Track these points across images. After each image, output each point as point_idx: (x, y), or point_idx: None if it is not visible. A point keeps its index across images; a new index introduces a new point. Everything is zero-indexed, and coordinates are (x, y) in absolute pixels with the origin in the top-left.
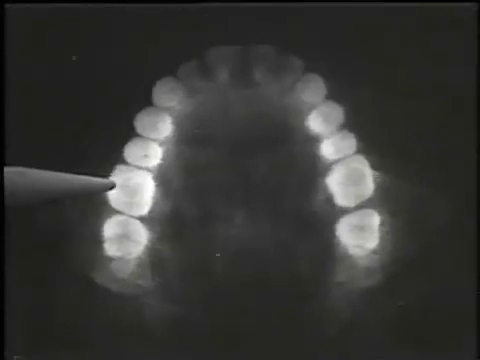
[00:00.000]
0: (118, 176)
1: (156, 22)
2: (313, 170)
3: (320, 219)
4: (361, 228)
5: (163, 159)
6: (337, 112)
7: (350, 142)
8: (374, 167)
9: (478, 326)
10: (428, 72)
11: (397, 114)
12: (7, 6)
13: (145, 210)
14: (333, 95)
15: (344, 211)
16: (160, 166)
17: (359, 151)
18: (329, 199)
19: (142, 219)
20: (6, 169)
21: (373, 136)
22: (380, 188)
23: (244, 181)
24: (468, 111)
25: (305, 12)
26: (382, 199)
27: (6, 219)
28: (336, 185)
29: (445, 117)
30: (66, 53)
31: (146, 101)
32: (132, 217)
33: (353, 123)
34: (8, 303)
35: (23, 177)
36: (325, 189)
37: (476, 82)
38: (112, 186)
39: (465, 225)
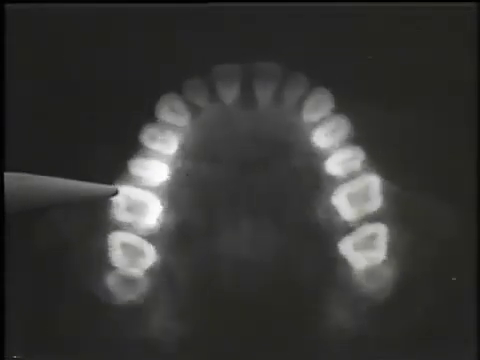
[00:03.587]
0: (121, 193)
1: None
2: (320, 185)
3: (327, 234)
4: (368, 242)
5: (168, 176)
6: (343, 127)
7: (356, 157)
8: (381, 181)
9: (478, 327)
10: (428, 73)
11: (398, 125)
12: (7, 6)
13: (149, 226)
14: (338, 110)
15: (351, 225)
16: (164, 182)
17: (365, 165)
18: (336, 214)
19: (146, 235)
20: (6, 174)
21: (378, 148)
22: (387, 202)
23: (249, 197)
24: (469, 114)
25: (304, 20)
26: (389, 213)
27: (10, 230)
28: (344, 199)
29: (447, 124)
30: (66, 54)
31: (150, 117)
32: (136, 233)
33: (359, 137)
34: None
35: (23, 182)
36: (332, 204)
37: (476, 83)
38: (115, 192)
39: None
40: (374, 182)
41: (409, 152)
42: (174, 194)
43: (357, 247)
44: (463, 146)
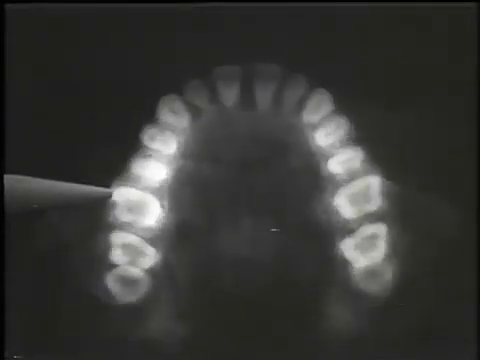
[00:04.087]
0: (121, 193)
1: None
2: (320, 185)
3: (327, 234)
4: (368, 242)
5: (167, 176)
6: (343, 127)
7: (357, 157)
8: (381, 181)
9: (478, 327)
10: (428, 73)
11: (398, 125)
12: (7, 6)
13: (149, 226)
14: (338, 110)
15: (352, 225)
16: (164, 183)
17: (366, 165)
18: (336, 214)
19: (146, 235)
20: (6, 176)
21: (378, 148)
22: (387, 202)
23: (249, 197)
24: (469, 114)
25: (304, 20)
26: (389, 213)
27: (10, 231)
28: (344, 199)
29: (447, 124)
30: (66, 54)
31: (150, 118)
32: (136, 234)
33: (359, 137)
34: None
35: (22, 184)
36: (332, 204)
37: (476, 83)
38: (110, 195)
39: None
40: (374, 182)
41: (409, 152)
42: (174, 194)
43: (357, 247)
44: (463, 146)
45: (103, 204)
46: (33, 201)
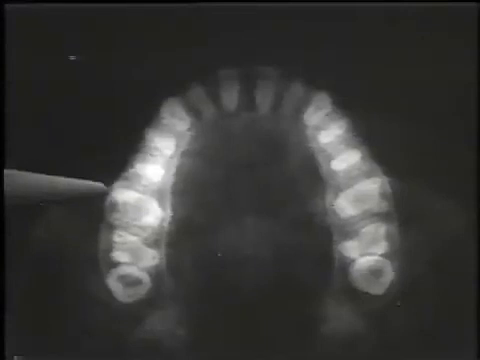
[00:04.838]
0: (122, 193)
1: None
2: (321, 186)
3: (328, 234)
4: (369, 241)
5: (167, 176)
6: (343, 127)
7: (357, 157)
8: (381, 181)
9: (478, 327)
10: (428, 73)
11: (398, 125)
12: (7, 6)
13: (149, 226)
14: (338, 110)
15: (353, 225)
16: (165, 183)
17: (366, 166)
18: (337, 214)
19: (146, 235)
20: (5, 171)
21: (379, 148)
22: (387, 202)
23: (250, 198)
24: (469, 114)
25: (304, 20)
26: (389, 213)
27: (10, 231)
28: (345, 199)
29: (447, 124)
30: (66, 54)
31: (150, 118)
32: (136, 233)
33: (359, 138)
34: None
35: (20, 179)
36: (333, 204)
37: (476, 83)
38: (105, 190)
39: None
40: (375, 182)
41: (410, 152)
42: (174, 194)
43: (358, 247)
44: (463, 146)
45: (101, 200)
46: (32, 196)
